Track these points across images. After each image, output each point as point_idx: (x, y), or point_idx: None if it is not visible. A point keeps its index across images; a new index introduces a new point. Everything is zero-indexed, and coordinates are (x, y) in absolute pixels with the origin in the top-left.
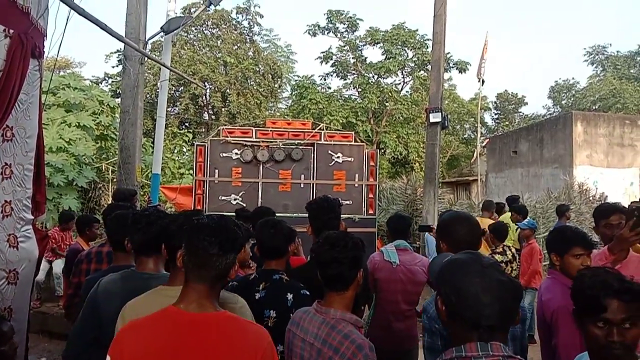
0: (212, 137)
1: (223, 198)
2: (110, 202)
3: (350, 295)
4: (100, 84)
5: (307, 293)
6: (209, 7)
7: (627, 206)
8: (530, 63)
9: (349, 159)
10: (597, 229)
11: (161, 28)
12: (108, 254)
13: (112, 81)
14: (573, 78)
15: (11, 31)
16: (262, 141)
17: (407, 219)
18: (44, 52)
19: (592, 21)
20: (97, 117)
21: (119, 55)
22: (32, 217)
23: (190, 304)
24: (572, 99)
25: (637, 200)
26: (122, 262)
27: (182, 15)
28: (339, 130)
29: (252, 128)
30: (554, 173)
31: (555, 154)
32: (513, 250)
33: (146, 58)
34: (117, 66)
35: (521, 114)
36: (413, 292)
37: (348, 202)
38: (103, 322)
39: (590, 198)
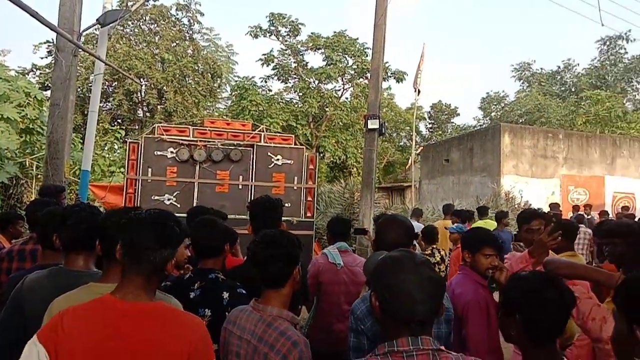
0: (147, 134)
1: (156, 198)
2: (34, 198)
3: (287, 293)
4: (27, 75)
5: (244, 292)
6: (147, 0)
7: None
8: (464, 76)
9: (289, 161)
10: (520, 233)
11: (97, 20)
12: (31, 252)
13: (41, 73)
14: (503, 91)
15: None
16: (200, 140)
17: (347, 222)
18: None
19: (519, 39)
20: (23, 110)
21: (48, 46)
22: None
23: (126, 294)
24: (501, 111)
25: (556, 203)
26: (49, 260)
27: (119, 8)
28: (279, 132)
29: (189, 127)
30: (483, 181)
31: (484, 163)
32: (442, 252)
33: (79, 50)
34: (46, 57)
35: (453, 124)
36: (354, 292)
37: (287, 205)
38: (28, 322)
39: (516, 205)
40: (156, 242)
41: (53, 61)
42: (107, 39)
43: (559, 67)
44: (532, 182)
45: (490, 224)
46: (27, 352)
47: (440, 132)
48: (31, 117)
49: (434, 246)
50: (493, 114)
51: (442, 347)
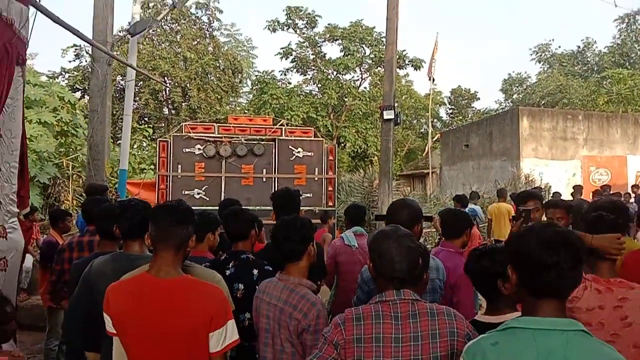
0: (175, 132)
1: (186, 192)
2: (71, 197)
3: (305, 265)
4: (57, 79)
5: (270, 269)
6: (173, 9)
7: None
8: (484, 60)
9: (309, 153)
10: (517, 213)
11: (127, 30)
12: (89, 242)
13: (70, 76)
14: (525, 72)
15: None
16: (225, 137)
17: (362, 208)
18: (26, 59)
19: (537, 19)
20: (58, 114)
21: (75, 49)
22: (18, 210)
23: (159, 271)
24: (523, 93)
25: (579, 185)
26: (107, 249)
27: (146, 17)
28: (299, 125)
29: (214, 124)
30: (503, 165)
31: (503, 147)
32: None
33: (113, 59)
34: (73, 60)
35: (474, 108)
36: None
37: (309, 195)
38: (96, 297)
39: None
40: (175, 221)
41: (78, 62)
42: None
43: (579, 46)
44: (553, 165)
45: (503, 206)
46: (105, 318)
47: (460, 117)
48: (65, 120)
49: None
50: (515, 96)
51: (419, 298)
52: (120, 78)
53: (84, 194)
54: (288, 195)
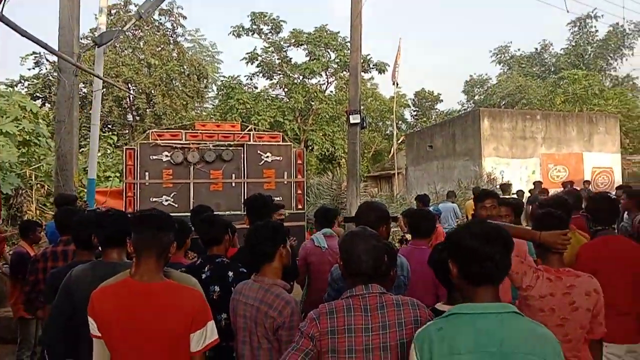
0: (142, 140)
1: (154, 200)
2: (34, 207)
3: (277, 266)
4: (16, 87)
5: (245, 271)
6: (139, 19)
7: (529, 191)
8: (447, 62)
9: (278, 158)
10: (476, 211)
11: (93, 41)
12: (63, 252)
13: (29, 84)
14: (486, 73)
15: None
16: (192, 143)
17: (331, 210)
18: None
19: (496, 22)
20: (20, 123)
21: (35, 57)
22: None
23: (142, 277)
24: (484, 94)
25: (539, 181)
26: (84, 258)
27: (110, 25)
28: (267, 130)
29: (181, 130)
30: (465, 165)
31: (466, 147)
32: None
33: (80, 70)
34: (33, 68)
35: (437, 110)
36: None
37: (278, 199)
38: (76, 306)
39: (498, 186)
40: (157, 229)
41: (38, 70)
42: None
43: (537, 48)
44: (513, 163)
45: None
46: (89, 322)
47: (424, 119)
48: (28, 130)
49: None
50: (476, 97)
51: (385, 291)
52: (83, 85)
53: (47, 204)
54: (260, 200)
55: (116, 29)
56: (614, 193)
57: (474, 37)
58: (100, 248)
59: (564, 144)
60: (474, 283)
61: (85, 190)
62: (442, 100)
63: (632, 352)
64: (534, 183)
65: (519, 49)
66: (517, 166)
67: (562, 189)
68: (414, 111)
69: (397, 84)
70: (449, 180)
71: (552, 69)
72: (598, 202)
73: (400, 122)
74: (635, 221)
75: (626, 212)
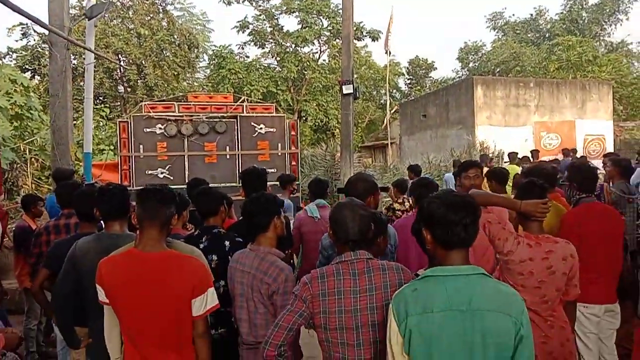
0: (135, 113)
1: (150, 172)
2: (30, 181)
3: (272, 236)
4: (3, 59)
5: (241, 240)
6: None
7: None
8: (441, 29)
9: (272, 129)
10: (460, 180)
11: (84, 14)
12: (65, 225)
13: (17, 56)
14: (481, 40)
15: None
16: (186, 115)
17: (324, 182)
18: None
19: None
20: (11, 97)
21: (22, 28)
22: None
23: (146, 247)
24: (479, 61)
25: (536, 150)
26: (87, 230)
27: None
28: (260, 101)
29: (174, 102)
30: (459, 134)
31: (459, 116)
32: (411, 201)
33: (71, 43)
34: (20, 39)
35: (431, 78)
36: None
37: (273, 170)
38: (82, 275)
39: (490, 155)
40: (160, 202)
41: (26, 41)
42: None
43: (532, 14)
44: (506, 131)
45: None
46: (98, 289)
47: (419, 88)
48: (20, 103)
49: (404, 196)
50: (471, 64)
51: (372, 257)
52: (73, 57)
53: (42, 178)
54: (255, 173)
55: (106, 1)
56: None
57: (470, 2)
58: (102, 221)
59: (556, 111)
60: (446, 247)
61: (81, 164)
62: (436, 68)
63: (610, 311)
64: (531, 151)
65: (513, 14)
66: (510, 134)
67: (564, 157)
68: (408, 79)
69: (390, 53)
70: (443, 149)
71: (547, 35)
72: (579, 170)
73: (394, 90)
74: (606, 190)
75: (610, 180)
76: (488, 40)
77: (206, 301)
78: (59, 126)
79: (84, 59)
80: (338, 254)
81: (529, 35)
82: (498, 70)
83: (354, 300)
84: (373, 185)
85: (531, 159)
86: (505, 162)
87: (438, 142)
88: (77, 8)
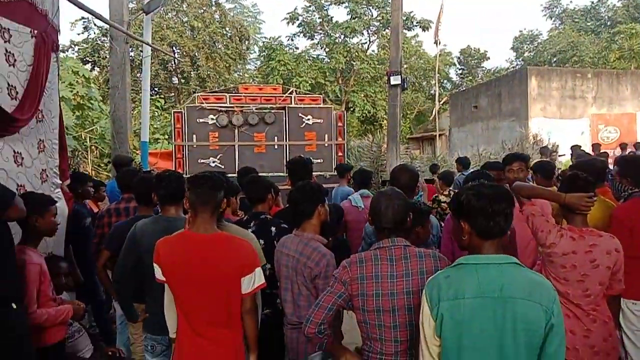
0: (188, 104)
1: (202, 161)
2: (90, 167)
3: (316, 223)
4: (66, 52)
5: (286, 226)
6: None
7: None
8: (495, 18)
9: (319, 120)
10: (504, 173)
11: (142, 9)
12: (125, 209)
13: (79, 49)
14: (537, 29)
15: (35, 31)
16: (236, 106)
17: (369, 172)
18: (58, 45)
19: None
20: (74, 88)
21: (83, 22)
22: (60, 182)
23: (199, 228)
24: (534, 51)
25: (597, 143)
26: (144, 213)
27: None
28: (308, 92)
29: (225, 94)
30: (511, 126)
31: (512, 107)
32: None
33: (130, 37)
34: (82, 33)
35: (484, 68)
36: None
37: (319, 161)
38: (140, 255)
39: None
40: (210, 188)
41: (87, 34)
42: (137, 11)
43: (593, 1)
44: (561, 124)
45: None
46: (155, 268)
47: (470, 78)
48: (81, 94)
49: (450, 188)
50: (526, 54)
51: (410, 244)
52: (130, 50)
53: (101, 165)
54: (301, 162)
55: None
56: None
57: None
58: (159, 205)
59: (616, 103)
60: (484, 237)
61: (138, 152)
62: (489, 58)
63: None
64: (593, 145)
65: (571, 1)
66: (565, 127)
67: (621, 151)
68: (459, 69)
69: (439, 43)
70: (493, 141)
71: (609, 23)
72: (634, 164)
73: (445, 81)
74: None
75: None
76: (544, 29)
77: (254, 280)
78: (118, 116)
79: (140, 51)
80: (377, 241)
81: (588, 23)
82: (555, 60)
83: (391, 284)
84: (417, 176)
85: (591, 153)
86: (561, 155)
87: (489, 134)
88: (134, 1)
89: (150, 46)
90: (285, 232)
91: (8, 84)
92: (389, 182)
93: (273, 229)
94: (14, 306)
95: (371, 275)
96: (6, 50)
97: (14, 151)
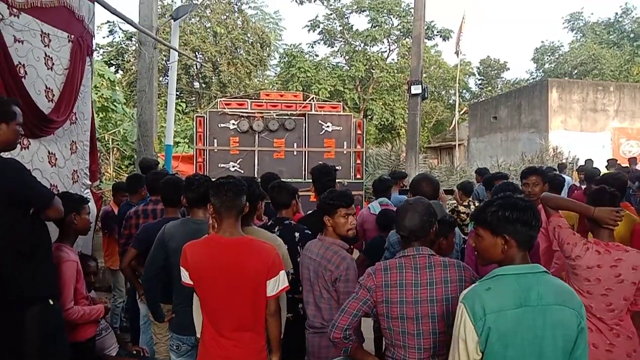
0: (211, 108)
1: (222, 165)
2: (111, 169)
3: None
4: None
5: (309, 232)
6: None
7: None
8: (515, 28)
9: (338, 127)
10: (522, 187)
11: (170, 15)
12: (152, 210)
13: (104, 51)
14: (558, 40)
15: (72, 36)
16: (257, 112)
17: (388, 181)
18: (93, 50)
19: None
20: (99, 90)
21: (109, 25)
22: (90, 183)
23: (225, 232)
24: (555, 63)
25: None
26: (171, 215)
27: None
28: (327, 99)
29: (247, 100)
30: (531, 137)
31: (532, 119)
32: (477, 204)
33: (158, 42)
34: (107, 36)
35: (503, 79)
36: None
37: (338, 168)
38: (169, 256)
39: (564, 161)
40: (234, 193)
41: (112, 38)
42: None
43: (617, 13)
44: (582, 137)
45: None
46: (182, 272)
47: (490, 88)
48: (106, 96)
49: (469, 199)
50: (546, 65)
51: (434, 254)
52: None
53: (122, 167)
54: (325, 170)
55: (191, 3)
56: None
57: (546, 2)
58: (188, 207)
59: (638, 117)
60: (524, 248)
61: (160, 155)
62: (509, 69)
63: None
64: (608, 161)
65: (592, 14)
66: (585, 140)
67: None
68: (479, 80)
69: (460, 53)
70: (513, 153)
71: (632, 36)
72: None
73: (464, 90)
74: None
75: None
76: (566, 41)
77: (279, 282)
78: (144, 119)
79: (164, 56)
80: (402, 249)
81: (610, 36)
82: (575, 72)
83: (415, 292)
84: (437, 186)
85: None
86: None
87: (508, 145)
88: (160, 7)
89: (178, 52)
90: (309, 238)
91: (46, 87)
92: (409, 192)
93: (297, 234)
94: (51, 302)
95: (396, 283)
96: (45, 55)
97: (49, 152)
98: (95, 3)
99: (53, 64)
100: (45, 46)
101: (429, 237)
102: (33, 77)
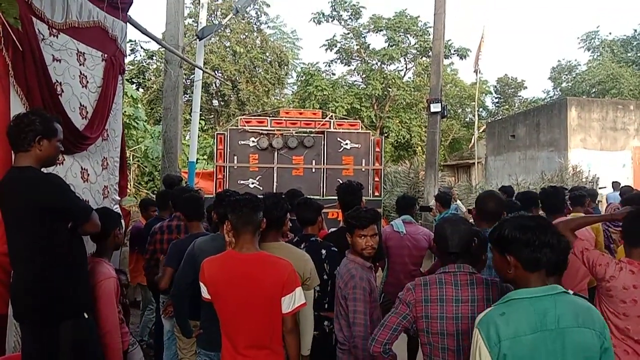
0: (231, 126)
1: (241, 182)
2: (131, 185)
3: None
4: None
5: (336, 249)
6: (235, 14)
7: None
8: (533, 47)
9: (357, 145)
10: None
11: (196, 35)
12: (177, 227)
13: (126, 70)
14: (576, 59)
15: (105, 55)
16: (277, 129)
17: (411, 199)
18: (125, 69)
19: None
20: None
21: (130, 44)
22: (120, 198)
23: (242, 248)
24: (572, 81)
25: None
26: (196, 230)
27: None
28: (345, 117)
29: (267, 117)
30: (550, 156)
31: (551, 137)
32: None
33: (184, 61)
34: (128, 55)
35: (521, 97)
36: (417, 255)
37: (363, 186)
38: (197, 271)
39: (584, 180)
40: (251, 210)
41: (133, 57)
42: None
43: (635, 30)
44: (602, 155)
45: None
46: (201, 287)
47: (507, 107)
48: (128, 113)
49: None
50: (564, 84)
51: (476, 272)
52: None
53: (141, 183)
54: (351, 188)
55: (216, 23)
56: None
57: (563, 20)
58: (218, 223)
59: None
60: (532, 269)
61: (185, 171)
62: (526, 87)
63: None
64: (620, 188)
65: (610, 33)
66: (606, 159)
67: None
68: (496, 98)
69: (479, 72)
70: (532, 171)
71: None
72: None
73: (481, 109)
74: None
75: None
76: (583, 60)
77: (294, 299)
78: (169, 136)
79: (185, 74)
80: (442, 266)
81: (628, 54)
82: (594, 91)
83: (456, 308)
84: (502, 203)
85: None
86: (601, 188)
87: (527, 164)
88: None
89: (203, 70)
90: (334, 255)
91: (80, 104)
92: (474, 209)
93: (323, 251)
94: (86, 315)
95: (436, 298)
96: (80, 73)
97: (82, 168)
98: (128, 23)
99: (87, 82)
100: (80, 65)
101: (469, 254)
102: (69, 94)
